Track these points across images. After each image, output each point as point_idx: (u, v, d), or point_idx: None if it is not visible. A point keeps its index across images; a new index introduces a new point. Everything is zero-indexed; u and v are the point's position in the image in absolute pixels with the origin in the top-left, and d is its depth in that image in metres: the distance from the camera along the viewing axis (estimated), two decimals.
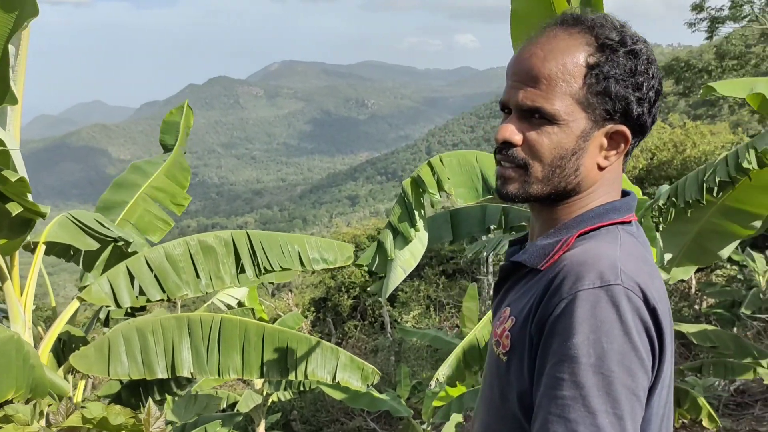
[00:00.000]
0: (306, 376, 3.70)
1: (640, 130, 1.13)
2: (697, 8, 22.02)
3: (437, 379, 3.73)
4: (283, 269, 3.76)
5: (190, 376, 3.67)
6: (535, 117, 1.11)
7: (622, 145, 1.12)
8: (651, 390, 1.02)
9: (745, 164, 3.43)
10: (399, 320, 16.32)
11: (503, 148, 1.15)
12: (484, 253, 5.09)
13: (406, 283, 18.87)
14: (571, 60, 1.09)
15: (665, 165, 19.82)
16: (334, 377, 3.78)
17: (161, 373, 3.51)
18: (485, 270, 16.06)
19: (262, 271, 3.66)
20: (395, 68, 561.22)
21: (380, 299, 18.15)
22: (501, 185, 1.17)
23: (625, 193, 1.20)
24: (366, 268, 3.93)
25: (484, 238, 5.97)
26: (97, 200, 4.78)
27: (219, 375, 3.58)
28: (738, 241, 4.28)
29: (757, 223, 4.17)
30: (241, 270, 3.62)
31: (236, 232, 3.77)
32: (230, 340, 3.58)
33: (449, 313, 16.55)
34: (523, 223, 4.57)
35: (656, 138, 22.76)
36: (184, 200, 4.84)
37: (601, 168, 1.13)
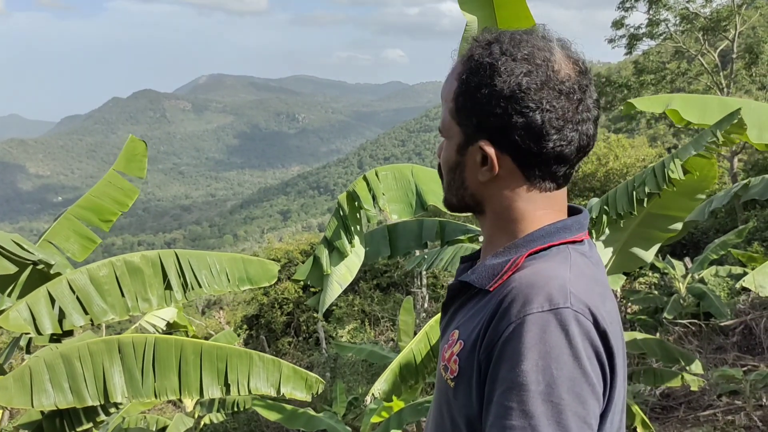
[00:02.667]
0: (249, 391, 3.60)
1: (519, 148, 1.07)
2: (617, 25, 23.07)
3: (373, 394, 3.70)
4: (212, 289, 3.65)
5: (124, 401, 3.51)
6: (442, 136, 1.19)
7: (491, 163, 1.09)
8: (603, 416, 1.00)
9: (673, 175, 3.59)
10: (334, 335, 16.22)
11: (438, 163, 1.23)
12: (424, 267, 5.12)
13: (341, 298, 18.77)
14: (452, 80, 1.14)
15: (589, 177, 20.57)
16: (278, 390, 3.69)
17: (92, 401, 3.34)
18: (419, 283, 16.17)
19: (191, 290, 3.54)
20: (326, 82, 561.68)
21: (315, 314, 17.99)
22: None
23: (576, 211, 1.18)
24: (301, 283, 3.88)
25: (417, 252, 6.00)
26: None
27: (156, 397, 3.43)
28: (659, 244, 4.48)
29: (679, 225, 4.39)
30: (167, 287, 3.48)
31: (164, 251, 3.64)
32: (166, 360, 3.45)
33: (384, 326, 16.56)
34: (460, 237, 4.62)
35: None
36: (112, 215, 4.64)
37: (482, 184, 1.12)
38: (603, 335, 0.98)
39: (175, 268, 3.53)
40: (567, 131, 1.06)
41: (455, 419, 1.08)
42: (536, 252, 1.09)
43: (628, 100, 4.10)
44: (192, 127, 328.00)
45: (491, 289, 1.07)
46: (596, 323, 0.98)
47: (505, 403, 0.93)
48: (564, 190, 1.16)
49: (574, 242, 1.12)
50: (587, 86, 1.09)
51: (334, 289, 3.68)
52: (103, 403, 3.32)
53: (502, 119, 1.05)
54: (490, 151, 1.08)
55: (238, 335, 16.96)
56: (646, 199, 3.68)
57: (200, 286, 3.56)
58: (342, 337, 15.76)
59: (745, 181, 4.48)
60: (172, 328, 6.46)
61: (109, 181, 4.75)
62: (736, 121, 3.31)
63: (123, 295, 3.40)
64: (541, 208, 1.11)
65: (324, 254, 3.67)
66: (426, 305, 15.41)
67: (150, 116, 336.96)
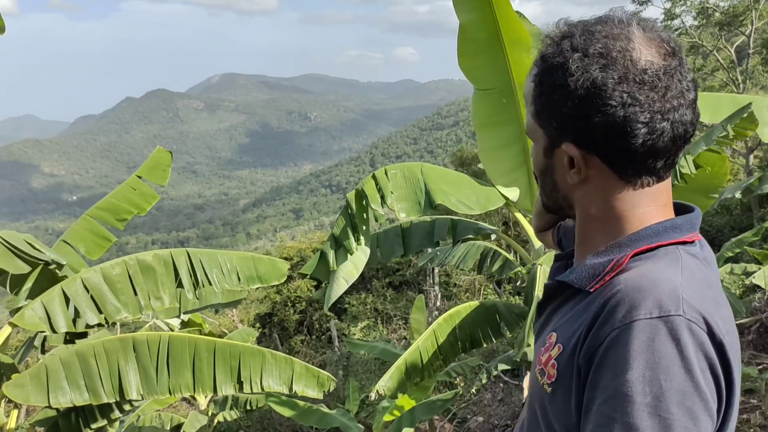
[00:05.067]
0: (261, 389, 3.61)
1: (605, 147, 1.00)
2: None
3: (377, 391, 3.71)
4: (223, 288, 3.68)
5: (139, 398, 3.54)
6: (529, 137, 1.15)
7: (578, 164, 1.04)
8: None
9: (684, 170, 3.57)
10: (347, 333, 16.25)
11: None
12: (435, 263, 5.13)
13: (353, 296, 18.81)
14: (530, 78, 1.09)
15: None
16: (291, 388, 3.70)
17: (107, 398, 3.37)
18: (432, 281, 16.16)
19: (202, 289, 3.56)
20: (337, 81, 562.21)
21: (328, 313, 18.03)
22: None
23: (685, 208, 1.10)
24: (314, 282, 3.91)
25: (430, 250, 6.03)
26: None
27: (170, 394, 3.46)
28: None
29: None
30: (179, 285, 3.51)
31: (175, 250, 3.67)
32: (180, 357, 3.47)
33: (397, 325, 16.56)
34: (470, 236, 4.62)
35: None
36: (127, 215, 4.69)
37: (573, 186, 1.07)
38: (719, 347, 0.91)
39: (186, 267, 3.56)
40: (656, 123, 0.97)
41: (551, 425, 1.04)
42: (642, 252, 1.02)
43: None
44: (205, 126, 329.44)
45: (591, 291, 1.02)
46: (711, 333, 0.91)
47: (607, 413, 0.88)
48: (668, 182, 1.07)
49: (684, 243, 1.04)
50: (676, 69, 0.99)
51: (340, 285, 3.71)
52: (118, 400, 3.35)
53: (581, 120, 0.99)
54: (575, 153, 1.03)
55: None
56: None
57: (211, 284, 3.58)
58: (355, 335, 15.79)
59: (758, 175, 4.44)
60: (187, 325, 6.52)
61: (131, 186, 4.81)
62: (746, 115, 3.28)
63: (136, 293, 3.43)
64: (641, 205, 1.04)
65: (331, 251, 3.69)
66: (438, 303, 15.41)
67: (163, 116, 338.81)
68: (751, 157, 19.40)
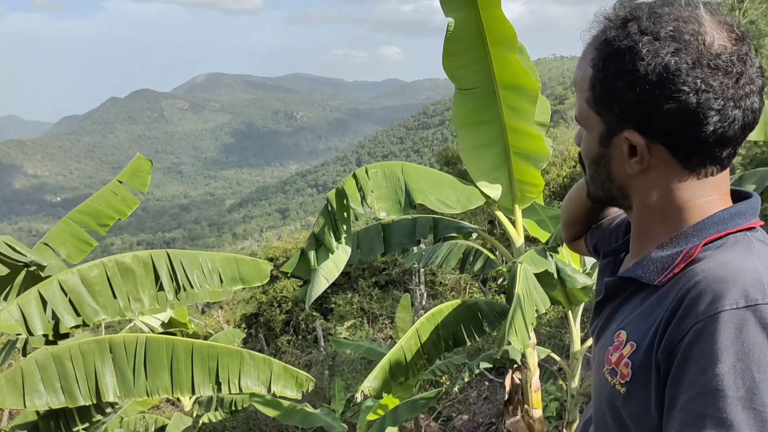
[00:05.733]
0: (240, 390, 3.61)
1: (673, 135, 0.97)
2: None
3: (362, 391, 3.71)
4: (204, 290, 3.67)
5: (116, 401, 3.51)
6: (579, 125, 1.11)
7: (641, 153, 1.00)
8: None
9: None
10: (333, 333, 16.24)
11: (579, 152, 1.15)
12: (421, 264, 5.13)
13: (339, 296, 18.79)
14: (584, 64, 1.05)
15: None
16: (269, 389, 3.70)
17: (84, 400, 3.35)
18: (417, 280, 16.17)
19: (183, 290, 3.55)
20: (323, 80, 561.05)
21: (313, 312, 17.98)
22: None
23: (742, 195, 1.07)
24: (300, 282, 3.91)
25: (415, 249, 6.04)
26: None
27: (148, 396, 3.45)
28: None
29: None
30: (160, 287, 3.50)
31: (155, 252, 3.65)
32: (157, 359, 3.46)
33: (383, 324, 16.57)
34: (453, 234, 4.63)
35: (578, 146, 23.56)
36: (109, 220, 4.69)
37: (631, 176, 1.03)
38: None
39: (167, 268, 3.54)
40: (728, 110, 0.93)
41: (625, 426, 1.00)
42: (711, 242, 0.99)
43: None
44: (190, 126, 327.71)
45: (660, 285, 0.99)
46: None
47: (697, 410, 0.84)
48: (727, 172, 1.03)
49: (749, 229, 1.01)
50: (746, 55, 0.96)
51: (321, 283, 3.70)
52: (95, 402, 3.33)
53: (650, 107, 0.95)
54: (639, 141, 0.98)
55: None
56: None
57: (192, 287, 3.57)
58: (341, 334, 15.78)
59: (740, 174, 4.48)
60: (170, 326, 6.48)
61: (112, 191, 4.81)
62: None
63: (114, 295, 3.40)
64: (703, 195, 1.01)
65: (312, 249, 3.68)
66: (424, 302, 15.43)
67: (148, 116, 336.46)
68: None
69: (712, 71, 0.92)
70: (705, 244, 0.98)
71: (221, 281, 3.73)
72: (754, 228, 1.02)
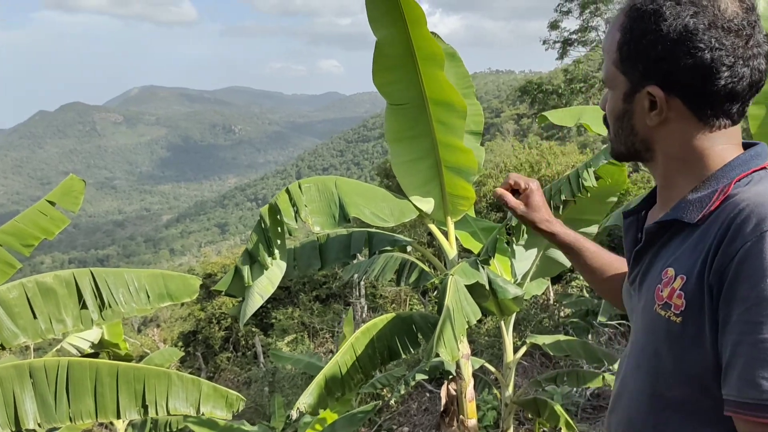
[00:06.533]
0: (168, 412, 3.51)
1: (690, 88, 1.10)
2: (553, 26, 23.71)
3: (297, 408, 3.68)
4: (131, 307, 3.56)
5: (37, 427, 3.36)
6: (607, 87, 1.24)
7: (661, 106, 1.12)
8: None
9: (586, 183, 3.73)
10: (273, 348, 16.04)
11: (604, 115, 1.29)
12: (358, 276, 5.13)
13: (280, 311, 18.57)
14: (613, 31, 1.18)
15: None
16: (198, 410, 3.62)
17: (2, 429, 3.20)
18: (357, 293, 16.16)
19: (108, 309, 3.44)
20: (261, 93, 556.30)
21: (252, 326, 17.71)
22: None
23: (749, 145, 1.19)
24: (241, 297, 3.85)
25: (354, 261, 6.04)
26: None
27: (71, 421, 3.31)
28: None
29: (594, 229, 4.58)
30: (83, 307, 3.37)
31: (78, 270, 3.52)
32: (80, 384, 3.33)
33: (324, 338, 16.46)
34: (387, 248, 4.65)
35: (514, 159, 24.11)
36: (35, 240, 4.49)
37: (652, 128, 1.16)
38: None
39: (90, 288, 3.42)
40: (738, 68, 1.07)
41: (682, 356, 1.08)
42: (739, 180, 1.11)
43: (542, 113, 4.27)
44: (124, 140, 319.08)
45: (700, 222, 1.10)
46: None
47: (752, 320, 0.95)
48: (738, 127, 1.16)
49: (764, 168, 1.14)
50: (756, 22, 1.10)
51: (255, 300, 3.66)
52: (14, 430, 3.17)
53: (670, 63, 1.08)
54: (660, 94, 1.11)
55: None
56: (561, 206, 3.81)
57: (117, 305, 3.46)
58: (281, 349, 15.60)
59: None
60: (101, 347, 6.26)
61: (39, 210, 4.61)
62: None
63: (35, 317, 3.26)
64: (719, 144, 1.13)
65: (245, 266, 3.64)
66: (364, 315, 15.42)
67: (79, 129, 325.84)
68: None
69: (725, 32, 1.06)
70: (736, 182, 1.10)
71: (148, 298, 3.63)
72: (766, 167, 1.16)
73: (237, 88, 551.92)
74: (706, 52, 1.06)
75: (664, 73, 1.10)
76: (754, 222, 0.99)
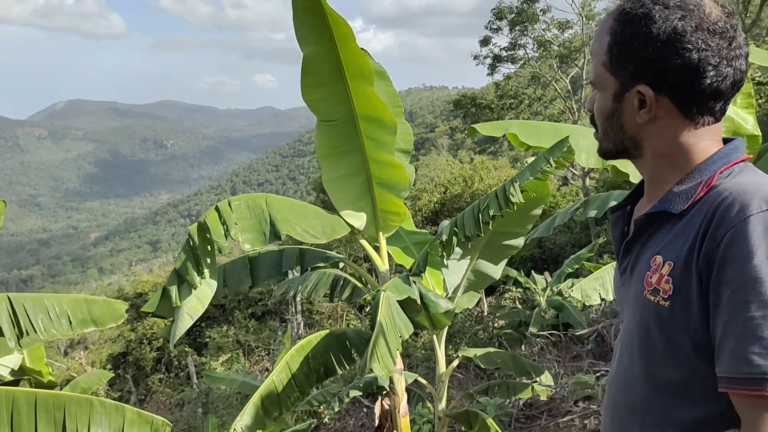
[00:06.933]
0: None
1: (678, 87, 1.17)
2: (485, 42, 24.26)
3: (234, 430, 3.61)
4: (51, 334, 3.41)
5: None
6: (595, 88, 1.30)
7: (651, 104, 1.19)
8: None
9: (513, 198, 3.83)
10: (207, 368, 15.67)
11: (590, 115, 1.35)
12: (291, 293, 5.08)
13: (214, 329, 18.19)
14: (602, 34, 1.25)
15: (457, 198, 21.39)
16: None
17: None
18: (294, 309, 16.01)
19: (26, 336, 3.28)
20: (194, 108, 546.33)
21: (185, 346, 17.28)
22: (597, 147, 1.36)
23: (728, 141, 1.26)
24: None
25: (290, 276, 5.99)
26: None
27: None
28: (506, 261, 4.77)
29: (521, 241, 4.70)
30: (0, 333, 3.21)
31: None
32: None
33: (259, 356, 16.22)
34: (320, 264, 4.63)
35: (448, 173, 24.52)
36: None
37: (641, 126, 1.23)
38: None
39: (7, 314, 3.26)
40: (722, 68, 1.15)
41: (672, 338, 1.15)
42: (721, 172, 1.19)
43: (471, 126, 4.36)
44: (49, 155, 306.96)
45: (686, 212, 1.18)
46: None
47: (741, 299, 1.02)
48: (720, 124, 1.24)
49: (743, 161, 1.23)
50: (736, 26, 1.18)
51: (185, 321, 3.57)
52: None
53: (660, 63, 1.15)
54: (650, 93, 1.18)
55: None
56: (490, 221, 3.89)
57: (36, 332, 3.31)
58: (216, 369, 15.26)
59: (585, 199, 4.85)
60: (22, 373, 5.97)
61: None
62: (566, 148, 3.60)
63: None
64: (702, 140, 1.21)
65: (174, 286, 3.55)
66: (301, 332, 15.28)
67: (0, 145, 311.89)
68: (587, 178, 21.10)
69: (710, 34, 1.15)
70: (719, 174, 1.18)
71: (71, 324, 3.49)
72: (746, 161, 1.24)
73: (169, 102, 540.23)
74: (694, 52, 1.14)
75: (654, 73, 1.17)
76: (738, 208, 1.07)
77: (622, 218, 1.40)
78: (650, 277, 1.19)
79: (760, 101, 15.74)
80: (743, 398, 1.04)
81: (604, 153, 1.35)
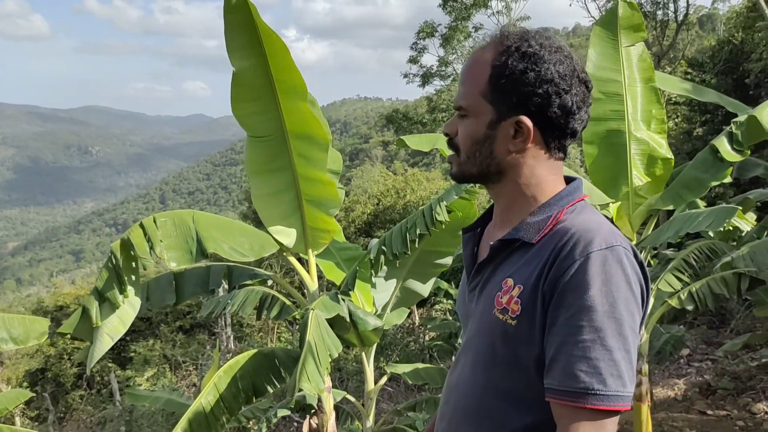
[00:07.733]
0: None
1: (551, 123, 1.29)
2: (413, 61, 24.57)
3: None
4: None
5: None
6: (461, 112, 1.37)
7: (527, 134, 1.29)
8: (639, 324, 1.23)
9: (439, 217, 3.89)
10: (132, 384, 15.14)
11: (448, 139, 1.41)
12: (217, 311, 4.98)
13: (139, 344, 17.58)
14: (481, 65, 1.32)
15: (389, 210, 21.49)
16: None
17: None
18: (223, 323, 15.70)
19: None
20: (122, 114, 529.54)
21: (108, 361, 16.65)
22: (450, 169, 1.43)
23: (570, 179, 1.40)
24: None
25: (221, 293, 5.89)
26: None
27: None
28: (434, 279, 4.84)
29: (449, 260, 4.78)
30: None
31: None
32: None
33: (187, 371, 15.79)
34: (247, 282, 4.57)
35: (381, 185, 24.61)
36: None
37: (510, 153, 1.31)
38: (641, 265, 1.24)
39: None
40: (583, 113, 1.31)
41: (515, 351, 1.25)
42: (567, 208, 1.31)
43: (400, 137, 4.41)
44: None
45: (537, 242, 1.28)
46: (636, 257, 1.23)
47: (576, 323, 1.15)
48: (562, 162, 1.37)
49: (583, 199, 1.36)
50: (591, 82, 1.35)
51: (104, 342, 3.45)
52: None
53: (544, 99, 1.26)
54: (529, 123, 1.28)
55: None
56: (417, 240, 3.94)
57: None
58: (141, 385, 14.76)
59: None
60: None
61: None
62: None
63: None
64: (552, 174, 1.34)
65: (94, 306, 3.43)
66: (231, 345, 14.99)
67: None
68: None
69: (579, 81, 1.30)
70: (566, 210, 1.31)
71: None
72: (584, 199, 1.38)
73: (95, 108, 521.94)
74: (569, 95, 1.28)
75: (536, 107, 1.28)
76: (583, 245, 1.19)
77: (473, 239, 1.51)
78: (501, 297, 1.28)
79: (676, 120, 16.57)
80: (566, 408, 1.16)
81: (463, 176, 1.42)
